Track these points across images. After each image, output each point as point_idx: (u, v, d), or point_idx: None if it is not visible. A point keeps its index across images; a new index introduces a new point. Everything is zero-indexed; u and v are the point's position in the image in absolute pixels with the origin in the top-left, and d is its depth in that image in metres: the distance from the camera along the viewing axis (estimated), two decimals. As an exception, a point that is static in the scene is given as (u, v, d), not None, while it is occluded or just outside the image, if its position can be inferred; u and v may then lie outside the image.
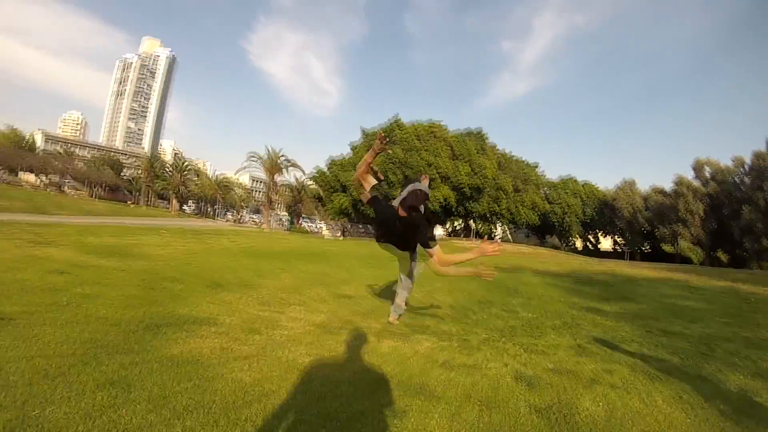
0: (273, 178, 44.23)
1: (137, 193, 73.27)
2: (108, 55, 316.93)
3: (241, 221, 59.60)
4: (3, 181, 58.59)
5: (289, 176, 47.90)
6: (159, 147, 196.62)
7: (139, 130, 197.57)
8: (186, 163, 61.28)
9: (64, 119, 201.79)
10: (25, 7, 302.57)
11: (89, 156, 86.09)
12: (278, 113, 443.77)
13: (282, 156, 44.56)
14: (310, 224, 78.43)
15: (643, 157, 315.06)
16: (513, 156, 58.69)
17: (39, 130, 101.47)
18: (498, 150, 54.87)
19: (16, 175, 67.84)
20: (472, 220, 56.99)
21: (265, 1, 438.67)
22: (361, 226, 58.33)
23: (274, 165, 43.45)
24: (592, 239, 71.50)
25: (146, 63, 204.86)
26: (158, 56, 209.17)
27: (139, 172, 69.04)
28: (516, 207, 52.85)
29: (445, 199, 43.44)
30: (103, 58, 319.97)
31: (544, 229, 64.61)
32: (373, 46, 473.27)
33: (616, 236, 69.57)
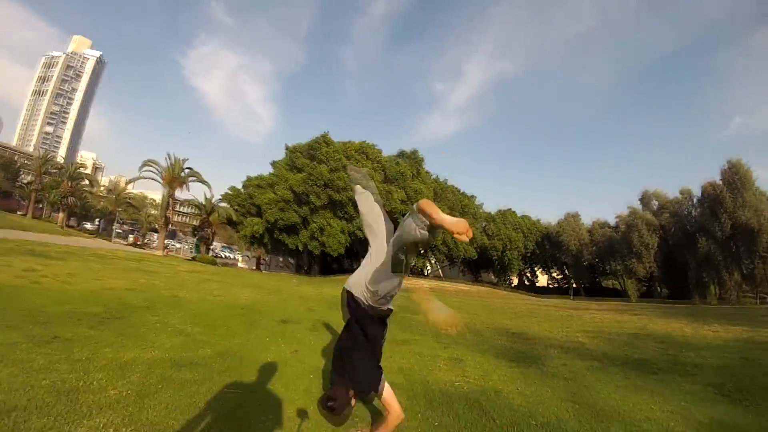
0: (172, 192, 37.05)
1: (28, 201, 62.82)
2: (34, 50, 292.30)
3: (145, 244, 51.39)
4: None
5: (194, 193, 40.82)
6: (78, 157, 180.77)
7: (57, 136, 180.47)
8: (78, 169, 52.18)
9: None
10: None
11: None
12: (209, 134, 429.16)
13: (186, 167, 37.63)
14: (228, 253, 70.77)
15: (575, 191, 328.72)
16: (448, 184, 54.90)
17: None
18: (432, 177, 50.77)
19: None
20: None
21: (206, 18, 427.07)
22: (281, 258, 51.74)
23: (175, 176, 36.38)
24: (528, 275, 68.60)
25: (72, 63, 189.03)
26: (86, 58, 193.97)
27: (31, 176, 58.71)
28: (453, 240, 48.48)
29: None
30: (28, 52, 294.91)
31: (479, 265, 60.61)
32: (309, 75, 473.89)
33: (554, 272, 67.25)
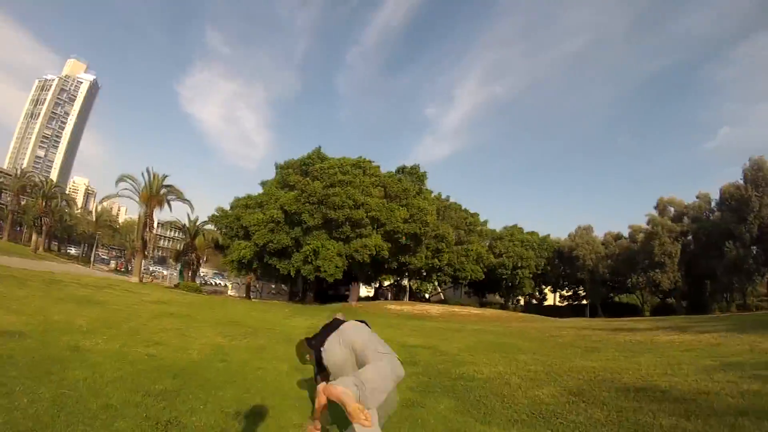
0: (150, 211, 33.42)
1: (4, 223, 59.08)
2: (29, 72, 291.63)
3: (129, 271, 47.61)
4: None
5: (180, 215, 37.20)
6: (71, 182, 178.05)
7: (49, 160, 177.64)
8: (53, 187, 48.50)
9: None
10: None
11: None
12: (204, 161, 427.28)
13: (166, 185, 34.14)
14: (219, 281, 66.68)
15: (576, 205, 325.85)
16: (451, 201, 51.55)
17: None
18: (434, 194, 47.34)
19: None
20: (406, 278, 48.38)
21: (202, 46, 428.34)
22: (273, 285, 47.83)
23: (153, 194, 32.86)
24: (537, 294, 64.66)
25: (66, 87, 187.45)
26: (81, 81, 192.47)
27: (8, 196, 54.93)
28: (459, 260, 44.83)
29: (376, 250, 34.43)
30: (24, 74, 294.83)
31: (484, 286, 56.84)
32: (303, 102, 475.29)
33: (564, 290, 63.52)
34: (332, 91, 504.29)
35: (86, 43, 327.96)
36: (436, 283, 50.03)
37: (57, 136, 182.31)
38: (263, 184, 40.30)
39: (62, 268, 28.25)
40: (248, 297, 40.31)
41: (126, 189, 33.10)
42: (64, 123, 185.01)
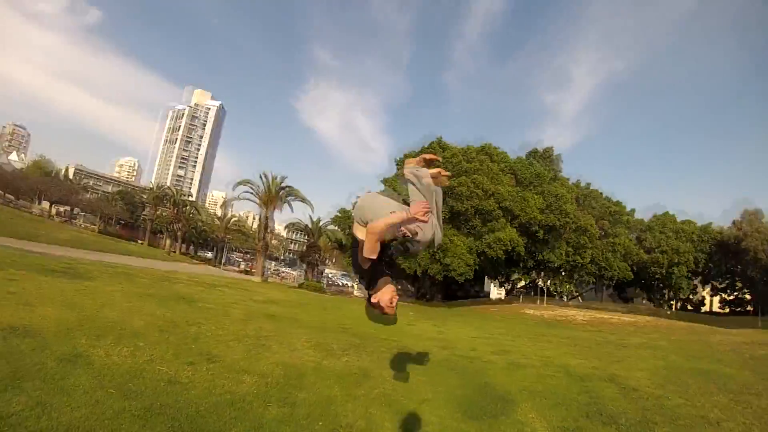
0: (269, 213, 33.09)
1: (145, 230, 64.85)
2: (162, 105, 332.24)
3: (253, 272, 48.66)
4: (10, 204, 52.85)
5: (300, 215, 36.80)
6: (210, 196, 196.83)
7: (188, 178, 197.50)
8: (184, 196, 51.72)
9: (121, 163, 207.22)
10: (89, 59, 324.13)
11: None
12: (328, 171, 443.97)
13: (284, 185, 33.57)
14: (346, 281, 66.52)
15: (736, 185, 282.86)
16: (591, 189, 45.12)
17: (73, 163, 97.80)
18: (572, 181, 41.79)
19: (39, 202, 63.30)
20: (542, 276, 43.06)
21: (313, 62, 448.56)
22: (399, 286, 45.38)
23: (271, 195, 32.45)
24: (692, 296, 54.59)
25: (196, 114, 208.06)
26: (208, 108, 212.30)
27: (150, 208, 60.23)
28: (605, 256, 38.79)
29: (511, 245, 30.52)
30: (157, 108, 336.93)
31: (630, 286, 49.14)
32: (415, 102, 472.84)
33: (726, 292, 52.92)
34: (443, 88, 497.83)
35: (208, 73, 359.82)
36: (575, 284, 44.13)
37: (194, 158, 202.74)
38: (384, 181, 38.41)
39: (189, 269, 28.64)
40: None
41: (246, 192, 33.17)
42: (199, 145, 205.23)
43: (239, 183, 32.48)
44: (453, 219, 31.40)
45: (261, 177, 32.60)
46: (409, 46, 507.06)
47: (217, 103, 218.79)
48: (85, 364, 4.24)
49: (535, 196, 32.29)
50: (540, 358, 8.90)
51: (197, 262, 44.95)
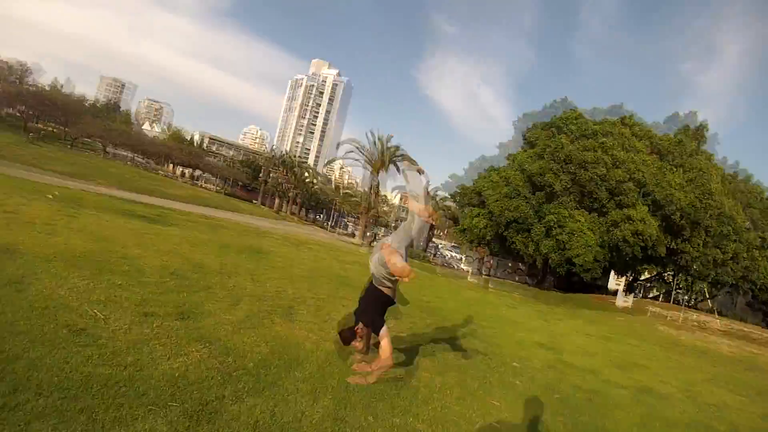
0: (376, 174, 32.16)
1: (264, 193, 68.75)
2: (284, 77, 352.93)
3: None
4: (148, 168, 59.78)
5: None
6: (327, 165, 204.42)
7: (306, 147, 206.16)
8: (291, 157, 53.75)
9: (245, 132, 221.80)
10: (222, 39, 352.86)
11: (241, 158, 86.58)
12: (447, 142, 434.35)
13: (394, 148, 32.41)
14: (456, 254, 63.90)
15: None
16: (738, 170, 37.76)
17: (198, 131, 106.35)
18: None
19: (168, 166, 71.43)
20: (672, 272, 36.02)
21: (432, 31, 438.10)
22: (510, 264, 41.72)
23: (380, 158, 31.50)
24: None
25: (314, 83, 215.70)
26: (326, 77, 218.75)
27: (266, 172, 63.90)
28: (751, 254, 32.32)
29: (644, 227, 26.36)
30: (280, 79, 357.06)
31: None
32: (539, 70, 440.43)
33: None
34: (568, 55, 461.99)
35: (328, 46, 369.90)
36: (710, 285, 37.29)
37: (312, 125, 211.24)
38: (500, 146, 35.89)
39: (289, 228, 28.85)
40: (480, 273, 36.01)
41: (350, 153, 32.66)
42: (317, 113, 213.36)
43: (343, 142, 31.94)
44: (574, 190, 27.98)
45: (367, 135, 31.81)
46: (532, 11, 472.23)
47: (334, 72, 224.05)
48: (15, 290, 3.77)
49: (675, 169, 27.76)
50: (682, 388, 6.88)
51: (304, 223, 46.22)
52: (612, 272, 35.50)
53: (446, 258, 55.69)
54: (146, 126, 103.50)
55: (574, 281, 32.80)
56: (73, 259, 5.14)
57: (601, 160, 26.28)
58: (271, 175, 55.81)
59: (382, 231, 68.63)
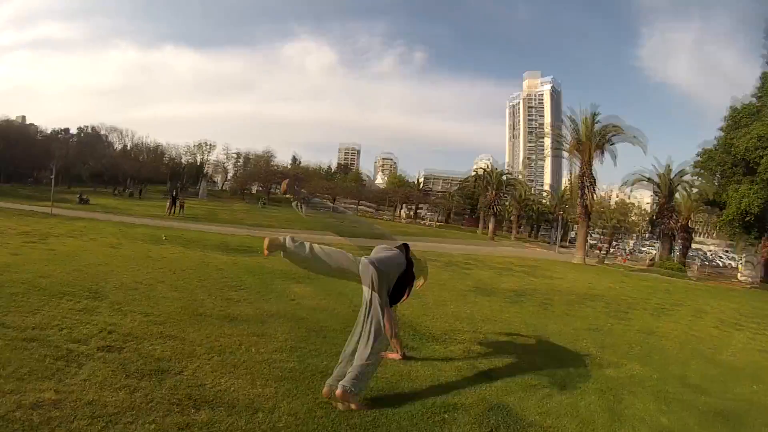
0: (584, 161, 23.77)
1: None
2: (503, 99, 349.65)
3: (608, 255, 38.80)
4: (372, 214, 67.98)
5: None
6: (564, 181, 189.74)
7: (538, 168, 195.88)
8: (501, 176, 50.97)
9: (477, 161, 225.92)
10: (431, 91, 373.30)
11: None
12: (689, 128, 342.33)
13: (610, 125, 24.14)
14: (729, 260, 46.43)
15: None
16: None
17: (423, 169, 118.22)
18: None
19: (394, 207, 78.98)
20: None
21: (639, 7, 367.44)
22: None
23: (585, 139, 23.59)
24: None
25: (531, 103, 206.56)
26: (541, 93, 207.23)
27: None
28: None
29: None
30: (499, 103, 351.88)
31: None
32: None
33: None
34: None
35: (538, 56, 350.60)
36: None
37: (540, 145, 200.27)
38: (763, 77, 23.56)
39: (499, 251, 26.22)
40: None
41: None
42: (540, 131, 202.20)
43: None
44: None
45: (564, 118, 24.67)
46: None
47: (548, 85, 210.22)
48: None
49: None
50: None
51: (529, 245, 40.91)
52: None
53: (720, 266, 40.64)
54: (378, 179, 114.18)
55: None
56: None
57: None
58: (479, 198, 54.31)
59: (632, 242, 55.58)
